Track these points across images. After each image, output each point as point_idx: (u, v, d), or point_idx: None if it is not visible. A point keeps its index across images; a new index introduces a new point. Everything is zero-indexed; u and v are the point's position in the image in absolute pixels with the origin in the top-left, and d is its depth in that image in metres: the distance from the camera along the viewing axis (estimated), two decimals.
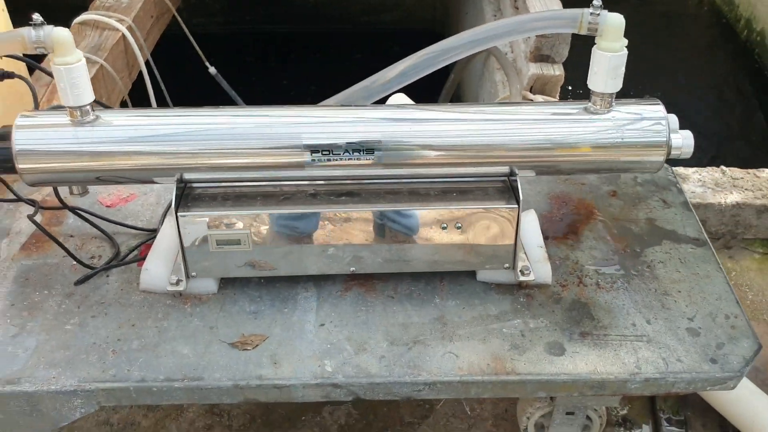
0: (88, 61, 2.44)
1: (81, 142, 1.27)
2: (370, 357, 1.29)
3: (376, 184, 1.37)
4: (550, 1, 2.50)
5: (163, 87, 2.76)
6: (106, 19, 2.56)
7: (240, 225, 1.31)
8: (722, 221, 2.09)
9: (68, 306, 1.39)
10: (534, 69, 2.37)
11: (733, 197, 2.05)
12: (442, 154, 1.30)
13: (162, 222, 1.53)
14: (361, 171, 1.31)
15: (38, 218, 1.56)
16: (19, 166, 1.27)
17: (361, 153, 1.28)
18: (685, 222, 1.57)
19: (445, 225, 1.33)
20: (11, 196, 1.55)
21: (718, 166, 2.18)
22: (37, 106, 1.52)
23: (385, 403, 1.78)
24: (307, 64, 5.09)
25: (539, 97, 2.35)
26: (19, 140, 1.26)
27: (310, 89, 4.74)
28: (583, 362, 1.27)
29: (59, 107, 2.01)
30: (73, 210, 1.52)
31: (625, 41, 1.24)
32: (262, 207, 1.32)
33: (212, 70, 2.93)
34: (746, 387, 1.66)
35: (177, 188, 1.31)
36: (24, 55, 1.63)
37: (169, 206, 1.57)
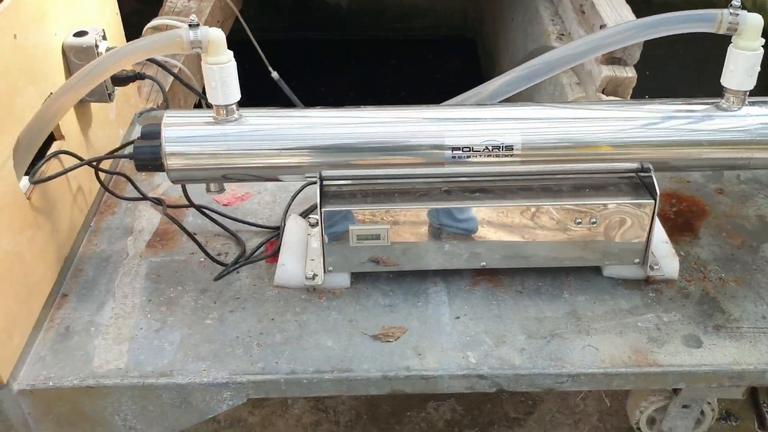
0: (168, 64, 2.50)
1: (230, 140, 1.30)
2: (510, 349, 1.32)
3: (507, 181, 1.40)
4: (618, 4, 2.54)
5: None
6: (179, 23, 2.59)
7: (381, 220, 1.35)
8: None
9: (204, 301, 1.42)
10: (606, 71, 2.40)
11: None
12: (578, 151, 1.34)
13: (284, 219, 1.56)
14: (498, 168, 1.34)
15: (161, 217, 1.60)
16: (169, 162, 1.30)
17: (500, 150, 1.31)
18: None
19: (580, 220, 1.36)
20: (133, 195, 1.59)
21: None
22: (167, 106, 1.55)
23: (488, 399, 1.81)
24: (343, 71, 5.12)
25: (613, 99, 2.39)
26: (169, 138, 1.29)
27: (348, 95, 4.78)
28: (722, 354, 1.30)
29: (151, 110, 2.06)
30: (200, 208, 1.55)
31: (762, 40, 1.28)
32: (403, 202, 1.35)
33: (275, 75, 2.94)
34: None
35: (319, 185, 1.34)
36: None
37: (291, 203, 1.61)
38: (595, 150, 1.34)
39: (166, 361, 1.30)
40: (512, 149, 1.31)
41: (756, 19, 1.27)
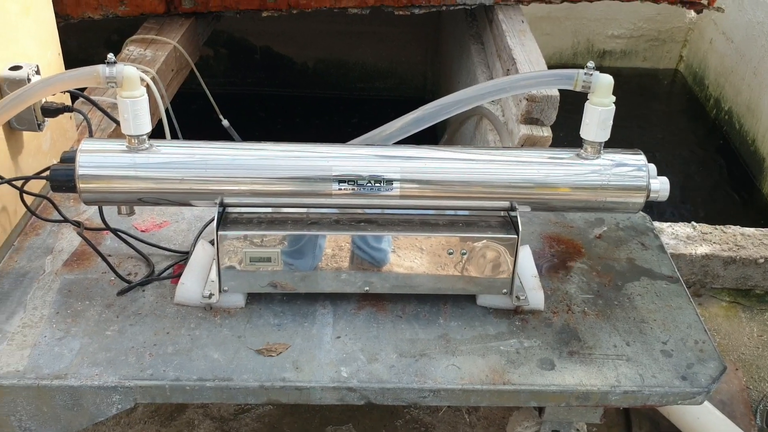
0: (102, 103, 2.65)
1: (138, 166, 1.44)
2: (381, 366, 1.44)
3: (391, 214, 1.55)
4: (538, 65, 2.75)
5: (179, 135, 2.95)
6: None
7: (272, 243, 1.48)
8: (693, 271, 2.28)
9: (108, 315, 1.53)
10: (524, 130, 2.60)
11: (702, 249, 2.25)
12: (452, 189, 1.49)
13: (194, 244, 1.69)
14: (380, 201, 1.49)
15: (80, 240, 1.72)
16: (81, 185, 1.44)
17: (382, 184, 1.46)
18: (661, 262, 1.76)
19: (452, 251, 1.51)
20: (57, 217, 1.72)
21: (689, 222, 2.39)
22: (91, 135, 1.70)
23: (383, 425, 1.91)
24: (308, 127, 5.34)
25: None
26: (83, 163, 1.43)
27: None
28: (571, 376, 1.43)
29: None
30: (115, 231, 1.68)
31: (613, 98, 1.46)
32: (293, 229, 1.49)
33: (225, 122, 3.13)
34: (714, 414, 1.82)
35: (218, 211, 1.48)
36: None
37: (203, 230, 1.74)
38: (466, 188, 1.49)
39: (62, 366, 1.41)
40: (392, 184, 1.46)
41: (607, 79, 1.45)
